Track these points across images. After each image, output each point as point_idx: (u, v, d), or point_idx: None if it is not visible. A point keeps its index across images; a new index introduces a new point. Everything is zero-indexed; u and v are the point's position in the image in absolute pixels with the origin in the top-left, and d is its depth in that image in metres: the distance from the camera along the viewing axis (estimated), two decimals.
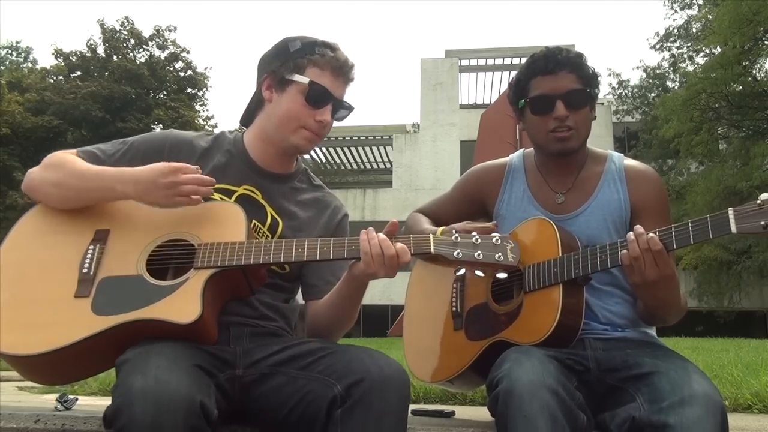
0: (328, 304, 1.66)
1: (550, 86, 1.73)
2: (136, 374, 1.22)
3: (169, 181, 1.48)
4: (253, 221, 1.64)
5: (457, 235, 1.46)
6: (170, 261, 1.52)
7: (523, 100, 1.79)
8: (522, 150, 1.95)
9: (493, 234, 1.47)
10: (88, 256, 1.50)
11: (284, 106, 1.65)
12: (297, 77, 1.63)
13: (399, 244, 1.46)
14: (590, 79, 1.76)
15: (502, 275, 1.54)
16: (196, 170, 1.51)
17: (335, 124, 1.74)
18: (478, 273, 1.53)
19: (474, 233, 1.47)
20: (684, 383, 1.38)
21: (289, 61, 1.65)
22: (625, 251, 1.48)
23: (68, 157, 1.62)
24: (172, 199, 1.49)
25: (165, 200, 1.49)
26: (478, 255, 1.44)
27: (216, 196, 1.64)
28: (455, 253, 1.44)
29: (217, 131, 1.85)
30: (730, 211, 1.35)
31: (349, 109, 1.73)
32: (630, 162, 1.83)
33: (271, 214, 1.69)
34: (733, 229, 1.33)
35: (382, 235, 1.47)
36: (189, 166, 1.51)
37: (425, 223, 1.88)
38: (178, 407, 1.17)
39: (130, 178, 1.51)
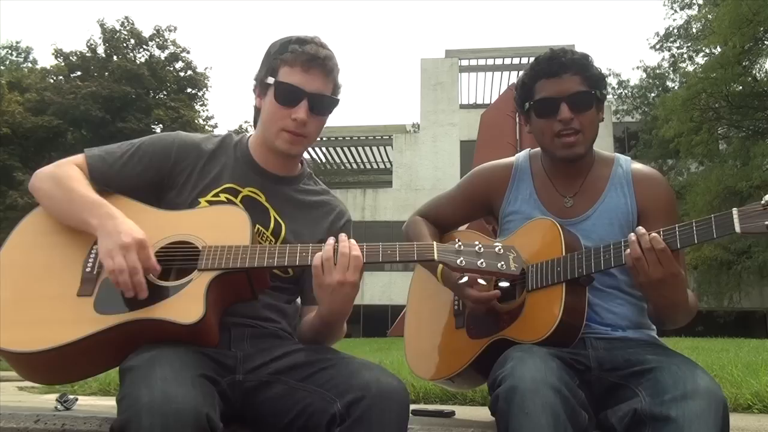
0: (307, 327, 1.64)
1: (554, 89, 1.72)
2: (142, 387, 1.22)
3: (124, 243, 1.41)
4: (257, 226, 1.63)
5: (460, 243, 1.47)
6: (174, 262, 1.52)
7: (528, 103, 1.78)
8: (528, 150, 1.93)
9: (495, 243, 1.48)
10: (92, 255, 1.51)
11: (265, 110, 1.66)
12: (269, 80, 1.63)
13: (351, 241, 1.46)
14: (596, 81, 1.74)
15: (504, 284, 1.55)
16: (153, 269, 1.43)
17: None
18: (481, 281, 1.54)
19: (476, 242, 1.47)
20: (686, 378, 1.38)
21: (267, 65, 1.65)
22: (629, 251, 1.48)
23: (73, 174, 1.60)
24: (105, 257, 1.41)
25: (104, 252, 1.42)
26: (481, 263, 1.44)
27: (222, 196, 1.65)
28: (458, 261, 1.45)
29: (222, 132, 1.85)
30: (735, 211, 1.36)
31: (331, 100, 1.67)
32: (637, 166, 1.82)
33: (275, 218, 1.69)
34: (737, 228, 1.34)
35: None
36: (149, 256, 1.43)
37: (427, 237, 1.86)
38: (185, 421, 1.17)
39: (106, 218, 1.47)
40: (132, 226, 1.46)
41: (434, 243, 1.48)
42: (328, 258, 1.43)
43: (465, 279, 1.62)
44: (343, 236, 1.47)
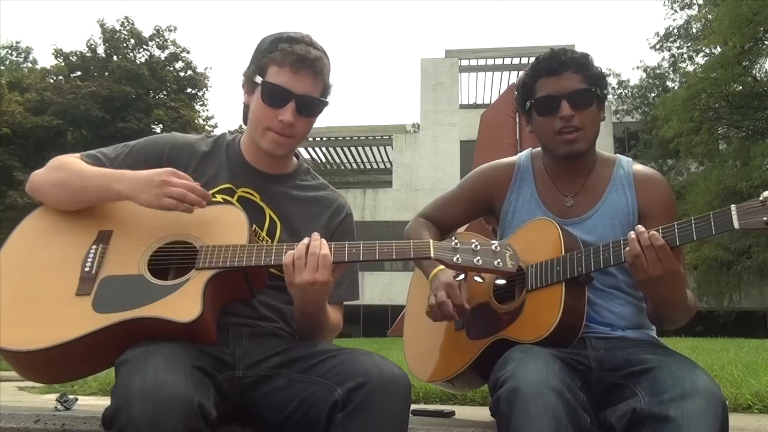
0: (295, 322, 1.65)
1: (554, 87, 1.72)
2: (135, 375, 1.22)
3: (161, 180, 1.49)
4: (253, 226, 1.63)
5: (456, 241, 1.47)
6: (172, 262, 1.52)
7: (529, 102, 1.78)
8: (529, 150, 1.94)
9: (492, 241, 1.48)
10: (90, 255, 1.51)
11: (252, 109, 1.65)
12: (257, 78, 1.62)
13: (321, 241, 1.46)
14: (596, 79, 1.75)
15: (500, 281, 1.56)
16: (192, 181, 1.52)
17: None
18: (477, 279, 1.55)
19: (473, 240, 1.48)
20: (686, 377, 1.38)
21: (255, 62, 1.64)
22: (628, 248, 1.48)
23: (71, 159, 1.64)
24: (160, 200, 1.49)
25: (154, 199, 1.49)
26: (478, 261, 1.45)
27: (219, 197, 1.65)
28: (454, 259, 1.45)
29: (217, 132, 1.85)
30: (733, 207, 1.36)
31: (320, 102, 1.65)
32: (638, 167, 1.83)
33: (270, 216, 1.69)
34: (736, 224, 1.34)
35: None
36: (184, 174, 1.53)
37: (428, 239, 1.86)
38: (176, 408, 1.17)
39: (127, 177, 1.54)
40: (149, 170, 1.53)
41: (430, 241, 1.49)
42: (300, 257, 1.44)
43: (462, 277, 1.63)
44: (315, 235, 1.47)
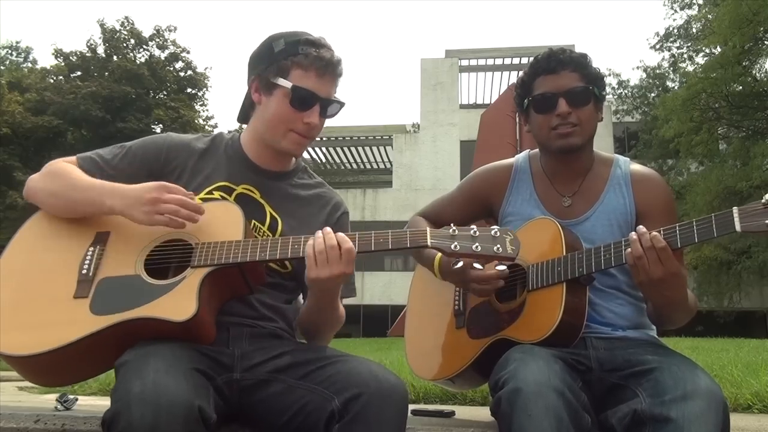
0: (303, 315, 1.66)
1: (552, 85, 1.74)
2: (135, 378, 1.22)
3: (152, 197, 1.48)
4: (253, 221, 1.64)
5: (454, 228, 1.45)
6: (169, 261, 1.52)
7: (526, 100, 1.80)
8: (527, 151, 1.94)
9: (491, 227, 1.46)
10: (88, 257, 1.51)
11: (272, 109, 1.64)
12: (281, 81, 1.61)
13: (339, 234, 1.45)
14: (594, 78, 1.76)
15: (501, 267, 1.53)
16: (186, 193, 1.51)
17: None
18: (477, 266, 1.52)
19: (472, 226, 1.46)
20: (686, 378, 1.38)
21: (274, 63, 1.63)
22: (629, 250, 1.48)
23: (67, 167, 1.63)
24: (151, 216, 1.47)
25: (145, 217, 1.48)
26: (476, 247, 1.42)
27: (216, 194, 1.65)
28: (452, 246, 1.43)
29: (215, 131, 1.86)
30: (735, 210, 1.36)
31: (340, 104, 1.69)
32: (636, 167, 1.83)
33: (270, 213, 1.69)
34: (738, 227, 1.34)
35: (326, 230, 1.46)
36: (178, 188, 1.51)
37: None
38: (176, 412, 1.17)
39: (119, 192, 1.53)
40: (142, 184, 1.52)
41: (427, 228, 1.47)
42: (321, 252, 1.43)
43: (460, 264, 1.60)
44: (327, 229, 1.47)
